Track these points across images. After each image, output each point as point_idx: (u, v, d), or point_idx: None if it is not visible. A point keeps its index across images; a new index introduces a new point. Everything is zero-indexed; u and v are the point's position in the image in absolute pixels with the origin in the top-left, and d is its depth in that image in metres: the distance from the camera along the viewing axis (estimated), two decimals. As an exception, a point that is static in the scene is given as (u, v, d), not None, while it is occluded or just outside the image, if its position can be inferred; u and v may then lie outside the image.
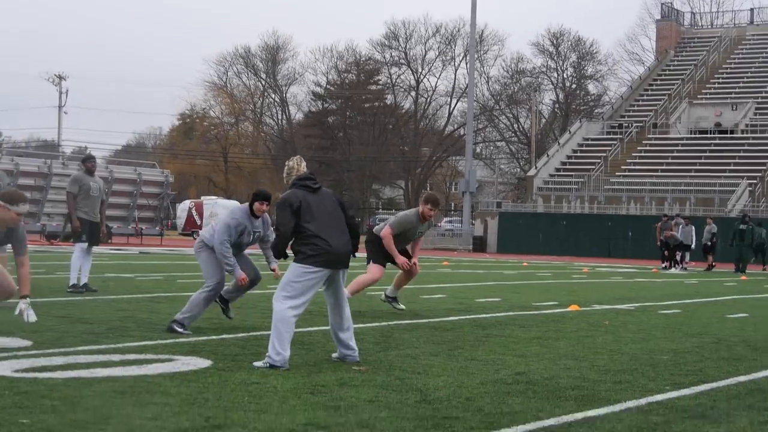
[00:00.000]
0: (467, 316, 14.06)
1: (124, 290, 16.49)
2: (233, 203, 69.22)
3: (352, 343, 9.26)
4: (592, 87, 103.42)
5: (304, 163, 9.50)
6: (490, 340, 11.32)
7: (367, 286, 14.30)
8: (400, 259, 13.88)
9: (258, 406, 6.86)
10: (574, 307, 16.15)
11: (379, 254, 14.00)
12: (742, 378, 9.04)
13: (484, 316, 14.35)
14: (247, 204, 11.30)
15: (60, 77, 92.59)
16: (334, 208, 9.20)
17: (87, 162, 16.78)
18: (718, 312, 16.63)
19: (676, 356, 10.43)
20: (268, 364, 8.58)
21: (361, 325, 11.61)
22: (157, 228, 50.61)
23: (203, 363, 8.66)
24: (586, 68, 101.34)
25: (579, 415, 6.96)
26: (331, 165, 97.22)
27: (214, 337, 10.61)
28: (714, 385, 8.57)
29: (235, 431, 6.05)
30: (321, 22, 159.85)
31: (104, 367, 8.21)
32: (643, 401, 7.61)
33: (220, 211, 66.13)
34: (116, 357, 8.85)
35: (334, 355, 9.37)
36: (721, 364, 9.92)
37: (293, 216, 8.87)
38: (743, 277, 32.05)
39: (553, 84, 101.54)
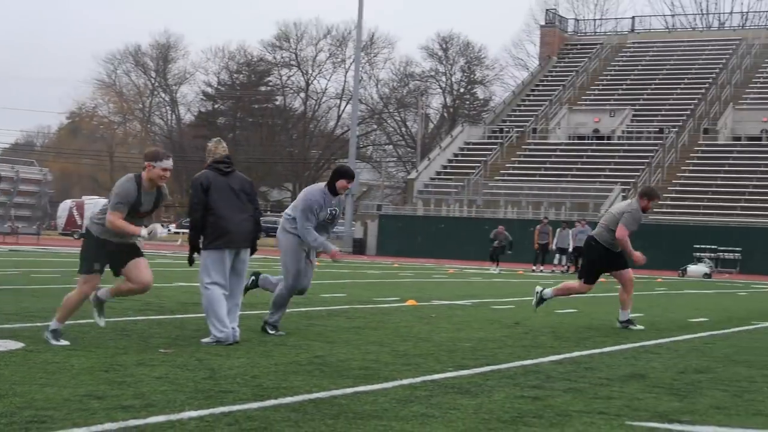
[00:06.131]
0: (301, 309, 14.47)
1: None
2: (103, 201, 68.88)
3: None
4: (480, 92, 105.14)
5: (221, 146, 10.30)
6: (310, 329, 11.91)
7: None
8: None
9: (48, 380, 7.33)
10: (411, 302, 16.84)
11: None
12: (528, 362, 9.69)
13: (318, 308, 14.92)
14: (323, 183, 11.24)
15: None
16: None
17: None
18: (550, 307, 16.31)
19: (478, 343, 11.11)
20: None
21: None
22: (35, 227, 50.19)
23: (15, 345, 9.09)
24: (474, 73, 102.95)
25: (348, 390, 7.57)
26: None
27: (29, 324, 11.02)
28: (496, 367, 9.21)
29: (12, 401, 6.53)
30: (213, 22, 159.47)
31: None
32: (418, 379, 8.22)
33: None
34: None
35: None
36: (517, 351, 10.59)
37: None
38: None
39: (441, 88, 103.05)
